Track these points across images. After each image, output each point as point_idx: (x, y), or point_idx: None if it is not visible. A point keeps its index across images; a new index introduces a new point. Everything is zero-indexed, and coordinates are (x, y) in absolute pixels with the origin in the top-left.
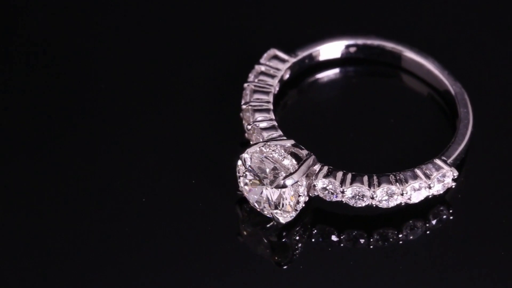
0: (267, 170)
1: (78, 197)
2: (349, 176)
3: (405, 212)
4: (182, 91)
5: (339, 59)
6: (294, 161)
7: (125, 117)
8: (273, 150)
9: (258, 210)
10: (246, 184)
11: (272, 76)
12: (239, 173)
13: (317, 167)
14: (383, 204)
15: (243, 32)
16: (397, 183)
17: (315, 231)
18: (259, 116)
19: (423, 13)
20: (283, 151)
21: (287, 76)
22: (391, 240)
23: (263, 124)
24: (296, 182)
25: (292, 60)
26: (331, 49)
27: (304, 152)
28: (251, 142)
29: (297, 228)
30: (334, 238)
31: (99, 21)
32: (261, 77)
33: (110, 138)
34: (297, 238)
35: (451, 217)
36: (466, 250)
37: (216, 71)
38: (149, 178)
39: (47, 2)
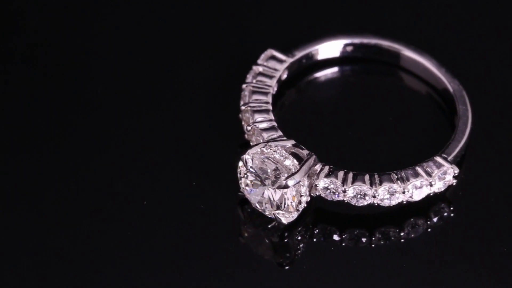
0: (269, 170)
1: (78, 200)
2: (350, 175)
3: (406, 210)
4: (179, 92)
5: (336, 58)
6: (295, 161)
7: (124, 119)
8: (274, 151)
9: (260, 211)
10: (247, 185)
11: (270, 77)
12: (240, 174)
13: (318, 167)
14: (385, 203)
15: (238, 33)
16: (399, 181)
17: (317, 230)
18: (258, 117)
19: (420, 11)
20: (284, 151)
21: (284, 76)
22: (392, 238)
23: (263, 125)
24: (298, 182)
25: (290, 60)
26: (328, 49)
27: (305, 152)
28: (251, 143)
29: (299, 228)
30: (336, 237)
31: (98, 22)
32: (259, 78)
33: (109, 141)
34: (299, 238)
35: (451, 215)
36: (467, 247)
37: (213, 72)
38: (149, 180)
39: (47, 2)
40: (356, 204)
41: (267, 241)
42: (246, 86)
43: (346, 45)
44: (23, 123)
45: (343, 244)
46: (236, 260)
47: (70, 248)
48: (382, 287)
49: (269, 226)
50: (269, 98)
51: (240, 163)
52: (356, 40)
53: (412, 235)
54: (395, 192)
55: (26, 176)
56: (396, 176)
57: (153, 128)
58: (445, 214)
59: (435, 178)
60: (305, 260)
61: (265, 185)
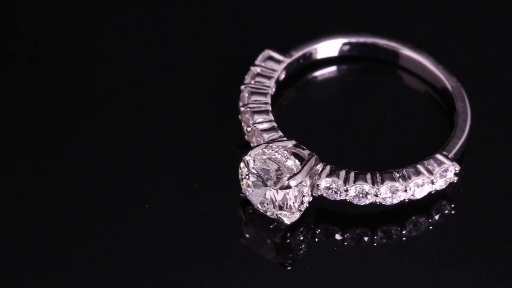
0: (271, 171)
1: (78, 201)
2: (352, 174)
3: (408, 208)
4: (176, 94)
5: (334, 57)
6: (297, 162)
7: (123, 121)
8: (275, 152)
9: (262, 211)
10: (249, 186)
11: (269, 77)
12: (241, 175)
13: (319, 167)
14: (387, 201)
15: (234, 34)
16: (400, 180)
17: (319, 230)
18: (258, 118)
19: (416, 9)
20: (285, 152)
21: (282, 76)
22: (394, 236)
23: (263, 126)
24: (300, 182)
25: (287, 60)
26: (326, 48)
27: (306, 152)
28: (251, 144)
29: (301, 229)
30: (338, 237)
31: (98, 22)
32: (258, 79)
33: (107, 143)
34: (301, 238)
35: (453, 212)
36: (469, 243)
37: (210, 73)
38: (149, 182)
39: (47, 2)
40: (358, 203)
41: (269, 242)
42: (245, 87)
43: (343, 44)
44: (23, 123)
45: (345, 243)
46: (238, 262)
47: (71, 249)
48: (385, 285)
49: (271, 226)
50: (268, 99)
51: (242, 164)
52: (353, 39)
53: (414, 233)
54: (397, 190)
55: (26, 176)
56: (398, 175)
57: (152, 130)
58: (446, 211)
59: (436, 176)
60: (307, 260)
61: (267, 186)
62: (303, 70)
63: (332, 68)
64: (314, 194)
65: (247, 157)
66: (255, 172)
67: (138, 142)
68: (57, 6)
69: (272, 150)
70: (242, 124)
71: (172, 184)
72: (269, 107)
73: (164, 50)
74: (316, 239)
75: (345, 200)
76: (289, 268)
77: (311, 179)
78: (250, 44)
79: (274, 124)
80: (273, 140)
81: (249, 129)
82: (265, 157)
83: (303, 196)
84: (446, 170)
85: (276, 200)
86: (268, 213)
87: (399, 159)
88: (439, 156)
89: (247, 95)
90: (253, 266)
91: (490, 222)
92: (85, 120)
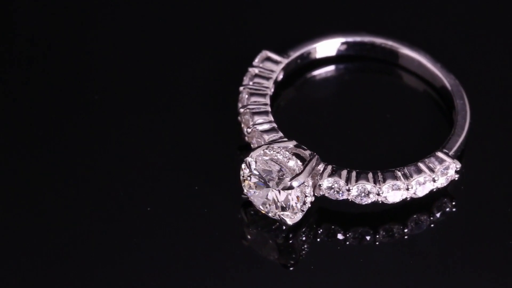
0: (273, 172)
1: (78, 203)
2: (353, 174)
3: (409, 206)
4: (175, 95)
5: (332, 57)
6: (299, 162)
7: (123, 121)
8: (277, 152)
9: (263, 212)
10: (250, 187)
11: (267, 78)
12: (243, 176)
13: (321, 167)
14: (389, 200)
15: (231, 35)
16: (402, 178)
17: (321, 230)
18: (258, 119)
19: (413, 7)
20: (286, 152)
21: (281, 77)
22: (396, 235)
23: (263, 127)
24: (303, 183)
25: (285, 61)
26: (323, 48)
27: (307, 153)
28: (251, 146)
29: (303, 229)
30: (340, 236)
31: (98, 22)
32: (256, 80)
33: (107, 143)
34: (303, 238)
35: (454, 209)
36: (471, 241)
37: (208, 74)
38: (150, 184)
39: (47, 2)
40: (360, 202)
41: (271, 242)
42: (244, 89)
43: (341, 43)
44: (23, 123)
45: (348, 242)
46: (241, 263)
47: (71, 249)
48: (388, 283)
49: (273, 227)
50: (268, 100)
51: (243, 166)
52: (351, 39)
53: (416, 231)
54: (399, 189)
55: (26, 176)
56: (400, 173)
57: (152, 131)
58: (448, 209)
59: (438, 174)
60: (310, 261)
61: (269, 187)
62: (301, 70)
63: (330, 68)
64: (316, 194)
65: (248, 159)
66: (257, 173)
67: (138, 144)
68: (57, 6)
69: (273, 151)
70: (242, 125)
71: (172, 186)
72: (269, 108)
73: (162, 51)
74: (318, 239)
75: (347, 199)
76: (291, 268)
77: (313, 179)
78: (248, 44)
79: (274, 124)
80: (274, 141)
81: (249, 130)
82: (266, 158)
83: (306, 196)
84: (447, 168)
85: (278, 201)
86: (270, 214)
87: (399, 158)
88: (440, 154)
89: (246, 96)
90: (256, 267)
91: (491, 219)
92: (85, 120)
